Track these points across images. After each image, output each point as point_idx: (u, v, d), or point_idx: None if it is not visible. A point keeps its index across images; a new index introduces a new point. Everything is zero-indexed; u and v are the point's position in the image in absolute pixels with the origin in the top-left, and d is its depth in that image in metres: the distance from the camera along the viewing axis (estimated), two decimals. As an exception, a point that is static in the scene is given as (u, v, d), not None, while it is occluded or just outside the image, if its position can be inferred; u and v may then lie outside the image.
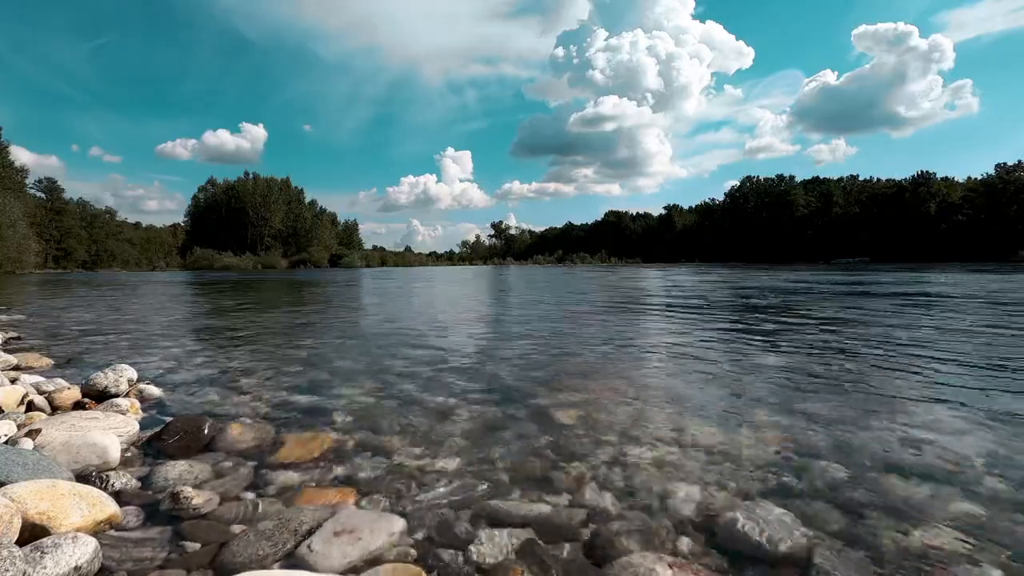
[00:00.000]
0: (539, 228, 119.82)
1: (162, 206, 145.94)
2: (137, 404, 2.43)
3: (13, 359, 3.30)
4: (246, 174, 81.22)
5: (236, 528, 1.37)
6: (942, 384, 2.84)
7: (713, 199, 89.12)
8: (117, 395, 2.52)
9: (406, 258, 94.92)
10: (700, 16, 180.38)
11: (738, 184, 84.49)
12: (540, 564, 1.23)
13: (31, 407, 2.30)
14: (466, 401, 2.60)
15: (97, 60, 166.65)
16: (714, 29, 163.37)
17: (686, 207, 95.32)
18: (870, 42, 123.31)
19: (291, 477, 1.69)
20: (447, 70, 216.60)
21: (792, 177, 78.92)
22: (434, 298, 11.13)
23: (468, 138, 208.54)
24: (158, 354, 4.00)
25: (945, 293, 9.52)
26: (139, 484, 1.63)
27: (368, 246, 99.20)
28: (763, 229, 74.71)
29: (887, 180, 68.22)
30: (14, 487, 1.31)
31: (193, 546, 1.29)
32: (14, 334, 4.88)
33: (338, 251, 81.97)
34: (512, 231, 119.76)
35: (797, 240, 70.51)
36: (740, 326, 5.59)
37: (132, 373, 2.79)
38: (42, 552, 1.09)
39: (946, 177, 62.25)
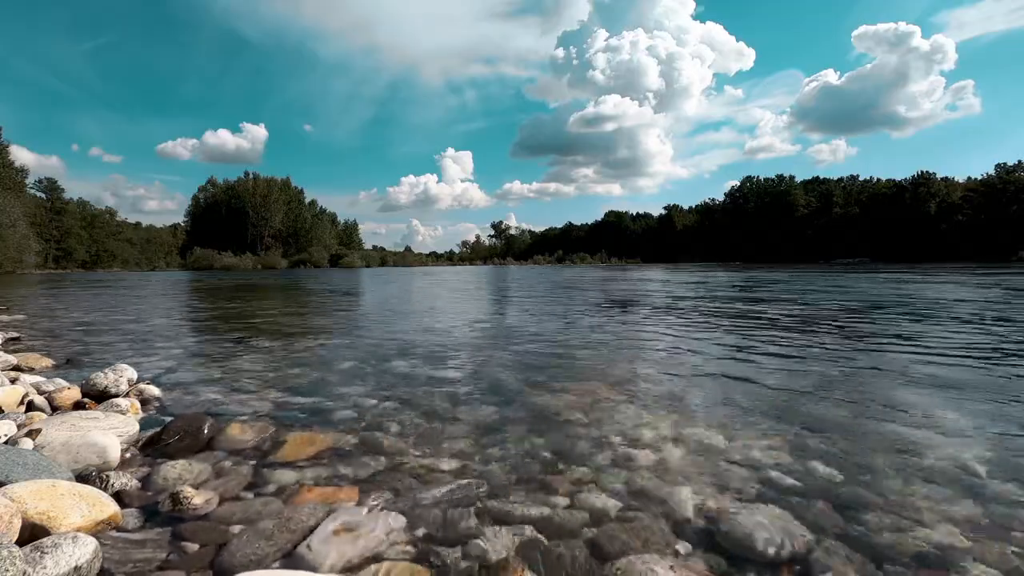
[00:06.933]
0: (539, 228, 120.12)
1: (162, 206, 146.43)
2: (137, 404, 2.42)
3: (13, 359, 3.30)
4: (246, 174, 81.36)
5: (236, 528, 1.37)
6: (942, 385, 2.84)
7: (713, 199, 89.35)
8: (117, 395, 2.52)
9: (406, 258, 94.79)
10: (700, 17, 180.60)
11: (738, 184, 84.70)
12: (541, 564, 1.23)
13: (31, 407, 2.30)
14: (466, 400, 2.60)
15: (97, 60, 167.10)
16: (714, 30, 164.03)
17: (686, 207, 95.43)
18: (870, 42, 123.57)
19: (291, 476, 1.69)
20: (447, 70, 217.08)
21: (792, 177, 79.04)
22: (435, 298, 11.13)
23: (468, 138, 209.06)
24: (158, 354, 4.00)
25: (946, 293, 9.51)
26: (139, 484, 1.63)
27: (368, 246, 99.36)
28: (763, 229, 74.69)
29: (887, 180, 68.24)
30: (14, 487, 1.31)
31: (193, 546, 1.29)
32: (14, 334, 4.87)
33: (338, 251, 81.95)
34: (512, 231, 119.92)
35: (797, 240, 70.52)
36: (739, 327, 5.59)
37: (132, 373, 2.79)
38: (42, 552, 1.09)
39: (946, 177, 62.27)
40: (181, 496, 1.49)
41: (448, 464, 1.79)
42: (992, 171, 58.63)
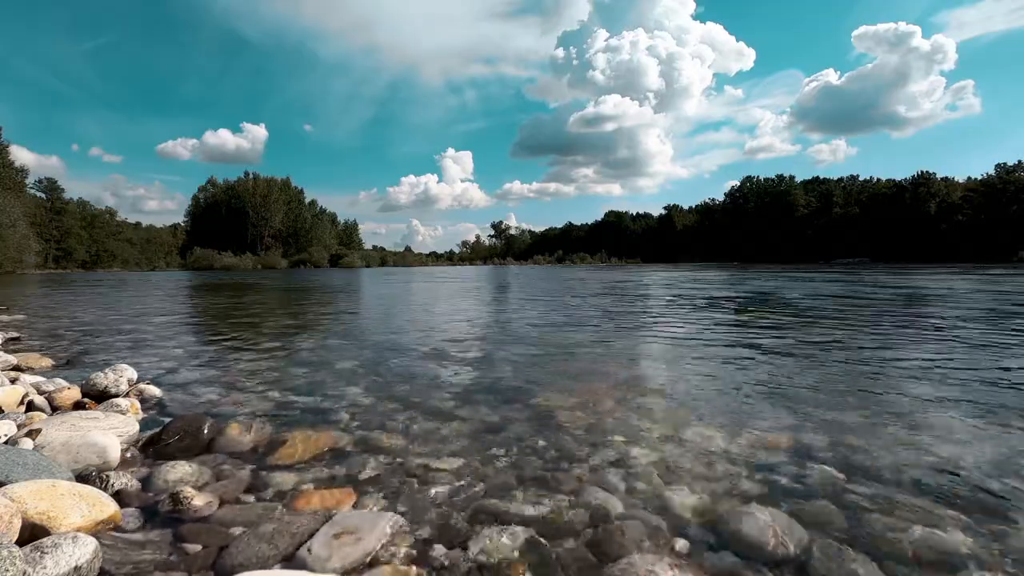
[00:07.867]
0: (539, 228, 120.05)
1: (162, 206, 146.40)
2: (137, 404, 2.42)
3: (13, 359, 3.29)
4: (246, 174, 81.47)
5: (236, 530, 1.36)
6: (942, 385, 2.84)
7: (713, 199, 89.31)
8: (117, 395, 2.52)
9: (406, 258, 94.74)
10: (700, 17, 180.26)
11: (738, 184, 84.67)
12: (541, 565, 1.22)
13: (31, 407, 2.29)
14: (466, 401, 2.60)
15: (97, 60, 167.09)
16: (715, 30, 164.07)
17: (686, 207, 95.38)
18: (870, 42, 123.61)
19: (291, 478, 1.69)
20: (447, 70, 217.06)
21: (792, 177, 79.02)
22: (435, 297, 11.13)
23: (468, 138, 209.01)
24: (158, 354, 4.00)
25: (945, 294, 9.51)
26: (139, 485, 1.63)
27: (368, 246, 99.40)
28: (763, 229, 74.69)
29: (887, 180, 68.21)
30: (14, 487, 1.31)
31: (193, 547, 1.29)
32: (14, 334, 4.87)
33: (338, 251, 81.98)
34: (512, 231, 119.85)
35: (797, 240, 70.51)
36: (739, 326, 5.59)
37: (132, 373, 2.79)
38: (42, 552, 1.09)
39: (946, 177, 62.24)
40: (181, 497, 1.49)
41: (448, 464, 1.79)
42: (992, 171, 58.66)
